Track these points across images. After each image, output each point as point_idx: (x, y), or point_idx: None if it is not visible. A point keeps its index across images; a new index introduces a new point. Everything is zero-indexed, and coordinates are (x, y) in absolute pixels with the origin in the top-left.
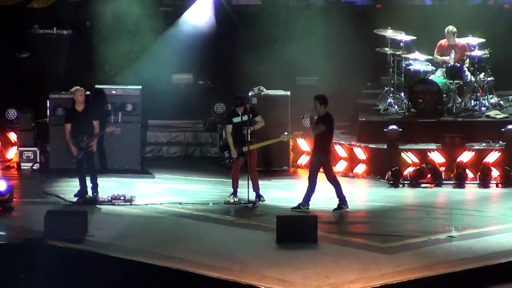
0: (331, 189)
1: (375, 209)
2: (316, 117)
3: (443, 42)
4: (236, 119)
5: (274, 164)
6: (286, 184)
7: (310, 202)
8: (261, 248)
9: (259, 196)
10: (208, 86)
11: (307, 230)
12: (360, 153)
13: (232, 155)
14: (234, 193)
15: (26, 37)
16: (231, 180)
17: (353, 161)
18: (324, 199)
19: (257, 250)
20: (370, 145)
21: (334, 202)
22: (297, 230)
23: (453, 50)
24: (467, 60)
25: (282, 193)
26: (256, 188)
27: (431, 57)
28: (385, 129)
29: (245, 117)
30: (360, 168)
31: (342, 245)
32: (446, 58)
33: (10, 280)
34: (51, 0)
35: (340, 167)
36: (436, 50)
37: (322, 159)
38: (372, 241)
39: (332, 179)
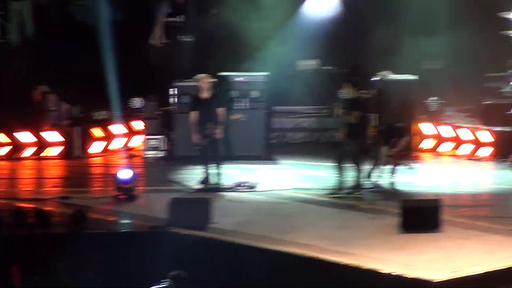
0: (456, 171)
1: (500, 192)
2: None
3: None
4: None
5: None
6: (409, 168)
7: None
8: (385, 232)
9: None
10: (334, 72)
11: (431, 214)
12: (485, 136)
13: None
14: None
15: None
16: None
17: (477, 144)
18: (448, 182)
19: (380, 234)
20: (494, 128)
21: (459, 185)
22: (421, 214)
23: None
24: None
25: (406, 177)
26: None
27: None
28: (510, 112)
29: None
30: (485, 151)
31: (466, 229)
32: None
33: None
34: None
35: (464, 150)
36: None
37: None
38: (496, 224)
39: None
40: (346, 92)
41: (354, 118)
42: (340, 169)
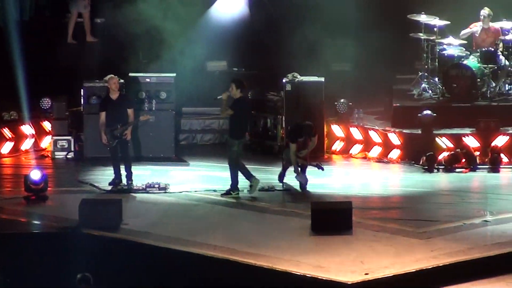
0: (366, 174)
1: (409, 194)
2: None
3: (477, 24)
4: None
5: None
6: (320, 171)
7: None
8: (296, 234)
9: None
10: (242, 73)
11: (342, 216)
12: (394, 139)
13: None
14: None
15: (61, 26)
16: (266, 167)
17: (387, 146)
18: (358, 184)
19: (292, 236)
20: (404, 130)
21: (369, 188)
22: (331, 217)
23: (480, 23)
24: (501, 45)
25: (316, 179)
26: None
27: (465, 42)
28: (419, 114)
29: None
30: (395, 154)
31: (376, 231)
32: (474, 29)
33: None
34: None
35: (374, 152)
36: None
37: (228, 143)
38: (406, 227)
39: (230, 164)
40: (231, 92)
41: (226, 115)
42: (231, 169)
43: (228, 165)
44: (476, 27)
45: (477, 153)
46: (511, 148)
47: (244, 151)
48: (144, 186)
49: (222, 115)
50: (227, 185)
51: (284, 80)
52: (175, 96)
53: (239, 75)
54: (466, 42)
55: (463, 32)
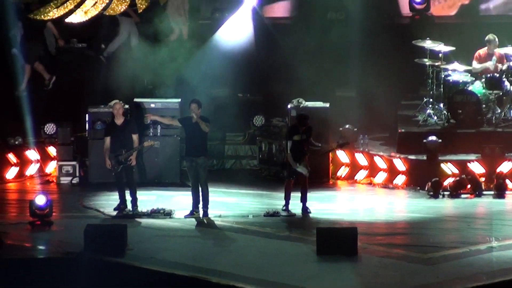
0: (371, 199)
1: (415, 220)
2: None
3: (481, 51)
4: (297, 137)
5: (314, 176)
6: (326, 196)
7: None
8: (301, 260)
9: (305, 209)
10: (247, 99)
11: (347, 241)
12: (399, 164)
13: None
14: (286, 206)
15: (64, 51)
16: (270, 192)
17: (392, 172)
18: (363, 210)
19: (297, 262)
20: (409, 156)
21: (375, 213)
22: (337, 242)
23: (494, 57)
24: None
25: (322, 205)
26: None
27: (470, 68)
28: (424, 140)
29: (304, 136)
30: (400, 179)
31: (382, 257)
32: (488, 64)
33: None
34: (88, 15)
35: (379, 178)
36: (474, 59)
37: (205, 163)
38: (412, 252)
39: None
40: (194, 112)
41: (208, 130)
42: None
43: (202, 187)
44: (489, 62)
45: (483, 179)
46: None
47: (249, 176)
48: (149, 212)
49: (207, 130)
50: (232, 210)
51: (289, 106)
52: None
53: (244, 100)
54: (471, 68)
55: (476, 66)
